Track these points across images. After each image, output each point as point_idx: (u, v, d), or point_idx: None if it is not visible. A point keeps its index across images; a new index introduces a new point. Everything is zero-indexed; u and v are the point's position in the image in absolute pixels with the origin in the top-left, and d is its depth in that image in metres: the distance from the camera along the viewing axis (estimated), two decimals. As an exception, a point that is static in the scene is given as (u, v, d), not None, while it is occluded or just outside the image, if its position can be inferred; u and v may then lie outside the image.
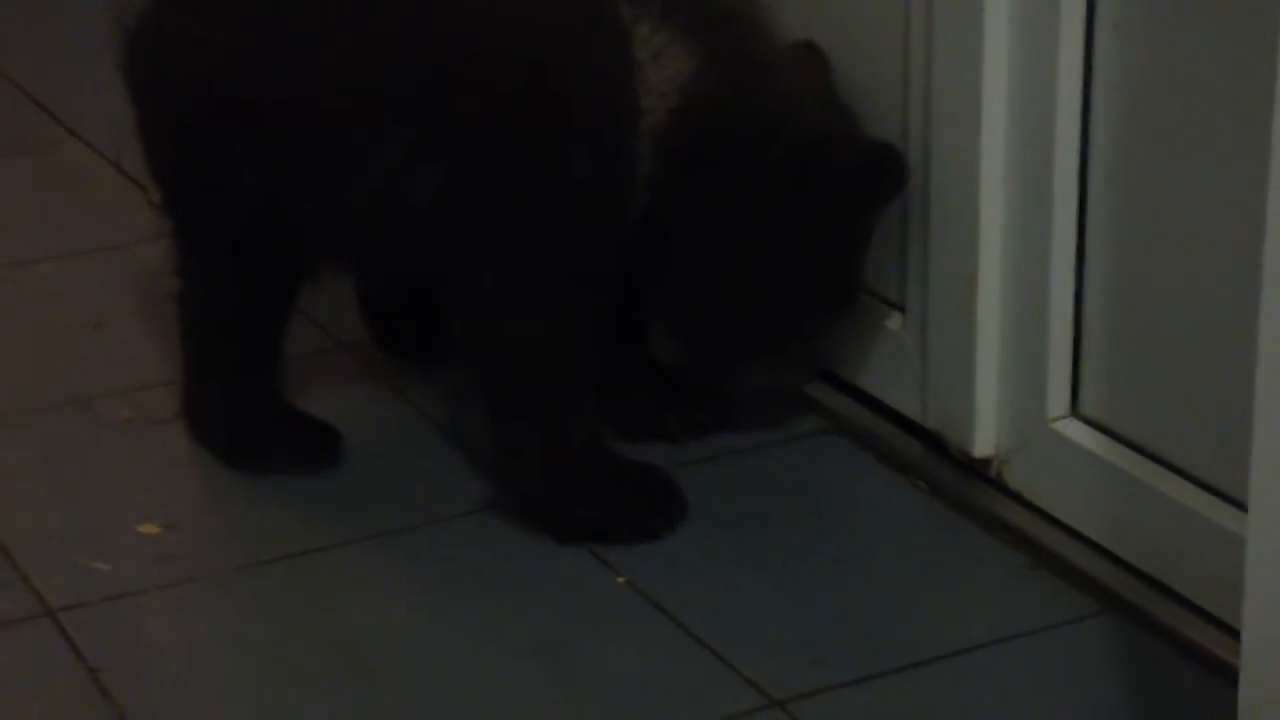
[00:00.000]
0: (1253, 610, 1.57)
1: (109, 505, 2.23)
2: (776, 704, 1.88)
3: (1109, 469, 2.02)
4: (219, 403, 2.31)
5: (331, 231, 2.20)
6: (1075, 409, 2.09)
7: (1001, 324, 2.12)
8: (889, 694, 1.89)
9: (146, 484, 2.27)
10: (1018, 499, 2.13)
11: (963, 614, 2.00)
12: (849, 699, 1.88)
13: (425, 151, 2.08)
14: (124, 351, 2.54)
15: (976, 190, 2.08)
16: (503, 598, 2.05)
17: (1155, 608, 1.96)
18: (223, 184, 2.18)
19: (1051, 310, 2.06)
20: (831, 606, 2.02)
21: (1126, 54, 1.95)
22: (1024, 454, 2.13)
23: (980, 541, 2.11)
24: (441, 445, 2.31)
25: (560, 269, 2.08)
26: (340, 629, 2.01)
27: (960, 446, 2.17)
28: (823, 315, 2.20)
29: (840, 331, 2.25)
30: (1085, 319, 2.06)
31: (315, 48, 2.11)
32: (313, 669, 1.95)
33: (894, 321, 2.26)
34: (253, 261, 2.24)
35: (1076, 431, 2.07)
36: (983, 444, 2.16)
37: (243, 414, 2.30)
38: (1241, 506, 1.65)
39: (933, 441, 2.22)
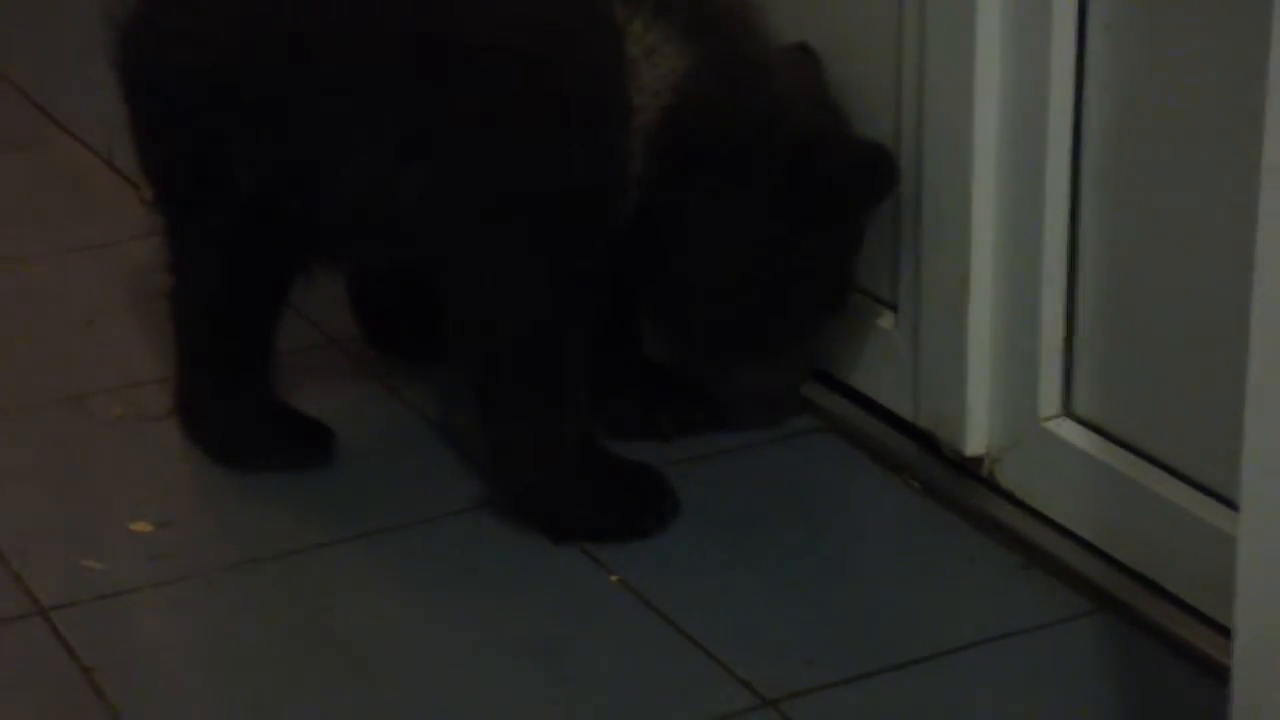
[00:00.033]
0: (1244, 610, 1.57)
1: (102, 503, 2.23)
2: (769, 703, 1.88)
3: (1101, 468, 2.03)
4: (212, 400, 2.30)
5: (324, 228, 2.20)
6: (1067, 408, 2.09)
7: (994, 323, 2.12)
8: (881, 693, 1.89)
9: (139, 482, 2.27)
10: (1010, 498, 2.13)
11: (955, 613, 2.00)
12: (841, 698, 1.88)
13: (418, 149, 2.08)
14: (116, 349, 2.53)
15: (969, 190, 2.08)
16: (496, 596, 2.05)
17: (1147, 607, 1.96)
18: (215, 181, 2.17)
19: (1043, 309, 2.06)
20: (824, 605, 2.02)
21: (1118, 54, 1.96)
22: (1016, 453, 2.13)
23: (972, 540, 2.11)
24: (434, 443, 2.31)
25: (552, 267, 2.08)
26: (333, 627, 2.01)
27: (952, 445, 2.18)
28: (815, 316, 2.20)
29: (833, 331, 2.25)
30: (1077, 318, 2.06)
31: (307, 45, 2.11)
32: (306, 667, 1.95)
33: (886, 320, 2.26)
34: (245, 258, 2.24)
35: (1069, 431, 2.07)
36: (975, 443, 2.16)
37: (235, 411, 2.30)
38: (1233, 506, 1.65)
39: (925, 440, 2.23)
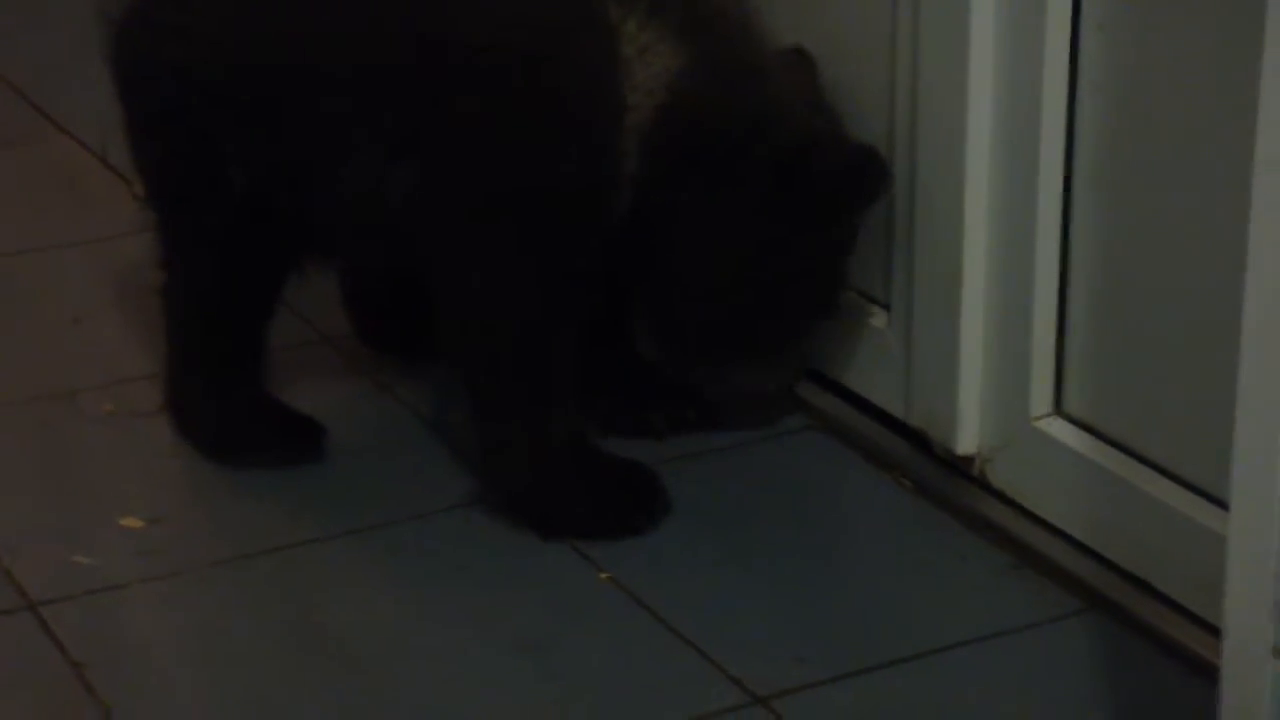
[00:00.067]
0: (1234, 609, 1.58)
1: (92, 499, 2.23)
2: (759, 701, 1.88)
3: (1092, 467, 2.03)
4: (203, 396, 2.30)
5: (317, 226, 2.20)
6: (1059, 407, 2.09)
7: (986, 323, 2.12)
8: (871, 691, 1.89)
9: (130, 477, 2.27)
10: (1001, 497, 2.14)
11: (946, 612, 2.00)
12: (831, 696, 1.88)
13: (411, 147, 2.07)
14: (107, 345, 2.53)
15: (962, 189, 2.08)
16: (487, 593, 2.05)
17: (1138, 606, 1.96)
18: (208, 177, 2.17)
19: (1035, 309, 2.06)
20: (815, 604, 2.02)
21: (1111, 54, 1.96)
22: (1008, 452, 2.13)
23: (964, 539, 2.11)
24: (426, 440, 2.31)
25: (544, 265, 2.08)
26: (324, 623, 2.01)
27: (944, 444, 2.18)
28: (806, 318, 2.20)
29: (825, 331, 2.25)
30: (1069, 318, 2.07)
31: (302, 44, 2.11)
32: (297, 663, 1.95)
33: (879, 319, 2.27)
34: (237, 255, 2.24)
35: (1060, 430, 2.07)
36: (966, 442, 2.16)
37: (227, 408, 2.30)
38: (1223, 505, 1.65)
39: (917, 439, 2.23)
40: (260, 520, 2.17)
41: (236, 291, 2.27)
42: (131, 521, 2.17)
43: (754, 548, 2.11)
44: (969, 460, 2.17)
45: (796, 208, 2.10)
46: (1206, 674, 1.79)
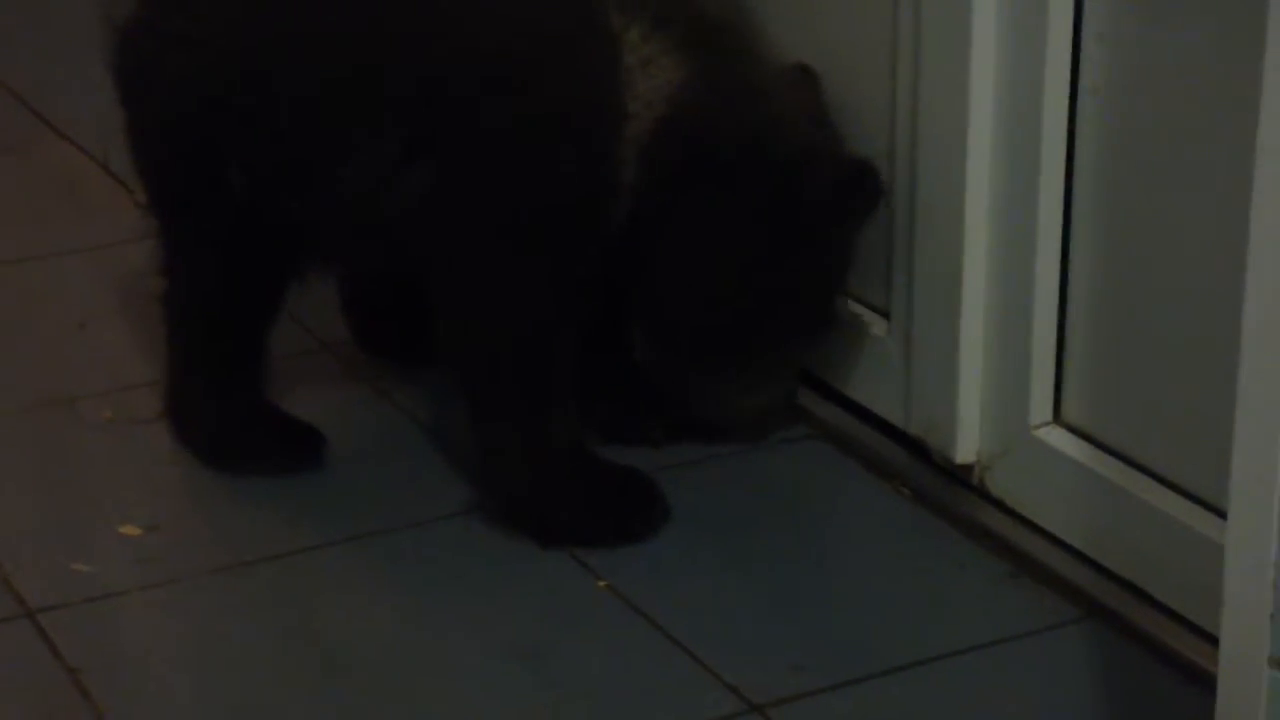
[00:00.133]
0: (1231, 618, 1.57)
1: (91, 506, 2.23)
2: (756, 709, 1.88)
3: (1091, 476, 2.03)
4: (203, 403, 2.30)
5: (318, 232, 2.20)
6: (1058, 416, 2.09)
7: (985, 331, 2.12)
8: (868, 700, 1.89)
9: (129, 485, 2.27)
10: (1000, 505, 2.13)
11: (944, 620, 2.00)
12: (828, 704, 1.88)
13: (413, 153, 2.08)
14: (107, 352, 2.53)
15: (962, 198, 2.08)
16: (484, 600, 2.05)
17: (1136, 614, 1.96)
18: (211, 183, 2.17)
19: (1035, 318, 2.06)
20: (813, 612, 2.02)
21: (1112, 65, 1.96)
22: (1006, 461, 2.13)
23: (962, 548, 2.11)
24: (425, 447, 2.31)
25: (544, 272, 2.08)
26: (323, 630, 2.01)
27: (943, 453, 2.18)
28: (799, 332, 2.20)
29: (820, 347, 2.26)
30: (1068, 327, 2.07)
31: (304, 50, 2.11)
32: (294, 671, 1.95)
33: (879, 327, 2.26)
34: (239, 262, 2.24)
35: (1059, 439, 2.07)
36: (965, 450, 2.16)
37: (226, 415, 2.30)
38: (1222, 514, 1.65)
39: (916, 448, 2.23)
40: (259, 527, 2.17)
41: (237, 297, 2.27)
42: (130, 529, 2.17)
43: (752, 555, 2.11)
44: (968, 469, 2.17)
45: (791, 221, 2.10)
46: (1204, 683, 1.79)
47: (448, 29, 2.07)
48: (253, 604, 2.06)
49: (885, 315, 2.26)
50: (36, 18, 3.50)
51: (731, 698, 1.89)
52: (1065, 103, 2.00)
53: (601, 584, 2.06)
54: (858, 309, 2.28)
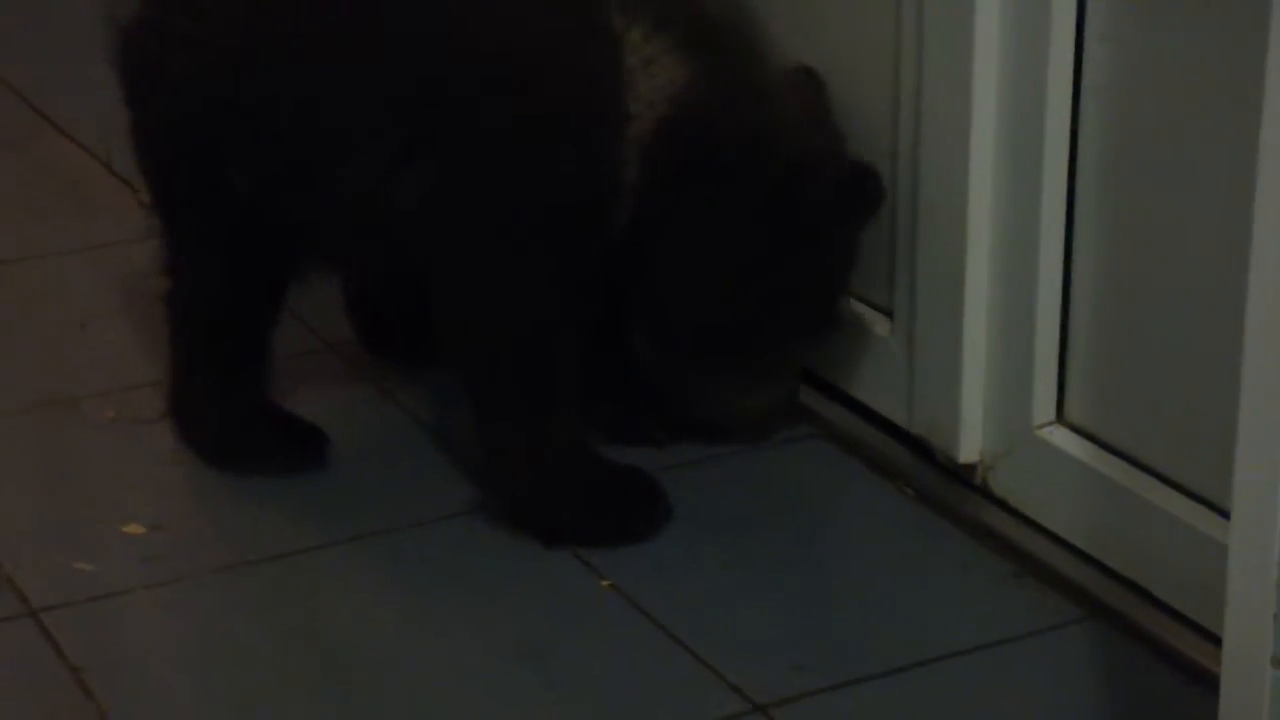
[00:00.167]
0: (1234, 618, 1.57)
1: (94, 505, 2.23)
2: (758, 709, 1.88)
3: (1094, 476, 2.03)
4: (205, 403, 2.30)
5: (320, 232, 2.20)
6: (1061, 416, 2.09)
7: (988, 331, 2.12)
8: (871, 700, 1.89)
9: (131, 484, 2.27)
10: (1003, 505, 2.13)
11: (947, 620, 2.00)
12: (831, 704, 1.88)
13: (415, 153, 2.08)
14: (110, 351, 2.53)
15: (965, 198, 2.08)
16: (487, 600, 2.05)
17: (1138, 614, 1.96)
18: (213, 183, 2.18)
19: (1038, 318, 2.06)
20: (815, 611, 2.02)
21: (1114, 65, 1.96)
22: (1009, 460, 2.13)
23: (965, 547, 2.11)
24: (428, 447, 2.31)
25: (546, 271, 2.08)
26: (325, 630, 2.01)
27: (946, 452, 2.18)
28: (799, 333, 2.20)
29: (821, 349, 2.26)
30: (1071, 327, 2.06)
31: (307, 50, 2.11)
32: (297, 670, 1.95)
33: (882, 327, 2.26)
34: (242, 261, 2.24)
35: (1062, 438, 2.07)
36: (968, 450, 2.16)
37: (229, 414, 2.30)
38: (1225, 514, 1.65)
39: (919, 447, 2.23)
40: (262, 527, 2.17)
41: (240, 297, 2.27)
42: (133, 528, 2.17)
43: (755, 555, 2.11)
44: (971, 468, 2.17)
45: (791, 222, 2.10)
46: (1207, 682, 1.79)
47: (448, 29, 2.07)
48: (255, 603, 2.06)
49: (888, 315, 2.26)
50: (38, 16, 3.50)
51: (734, 697, 1.89)
52: (1068, 103, 2.00)
53: (604, 584, 2.06)
54: (861, 308, 2.28)
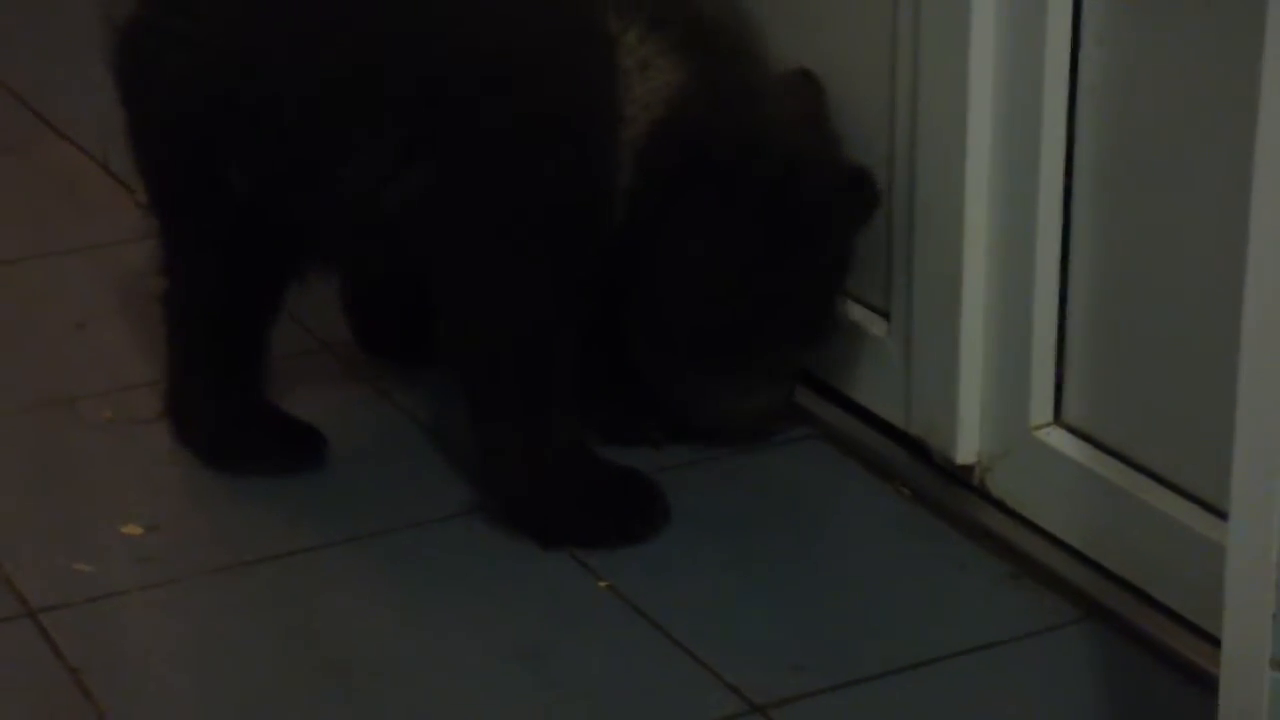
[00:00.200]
0: (1233, 619, 1.57)
1: (91, 506, 2.23)
2: (757, 709, 1.88)
3: (1091, 477, 2.03)
4: (203, 403, 2.30)
5: (318, 232, 2.20)
6: (1058, 417, 2.09)
7: (986, 332, 2.12)
8: (869, 700, 1.89)
9: (129, 485, 2.27)
10: (1000, 506, 2.14)
11: (944, 621, 2.00)
12: (829, 705, 1.88)
13: (413, 154, 2.08)
14: (107, 352, 2.53)
15: (962, 199, 2.08)
16: (485, 601, 2.05)
17: (1136, 615, 1.96)
18: (211, 183, 2.18)
19: (1035, 319, 2.06)
20: (813, 612, 2.02)
21: (1111, 65, 1.96)
22: (1007, 461, 2.13)
23: (962, 548, 2.11)
24: (425, 447, 2.31)
25: (542, 272, 2.08)
26: (323, 631, 2.01)
27: (943, 453, 2.18)
28: (795, 336, 2.20)
29: (816, 353, 2.26)
30: (1069, 328, 2.07)
31: (305, 48, 2.11)
32: (295, 670, 1.95)
33: (879, 328, 2.27)
34: (239, 261, 2.24)
35: (1059, 439, 2.07)
36: (966, 451, 2.16)
37: (227, 415, 2.30)
38: (1223, 515, 1.65)
39: (916, 448, 2.23)
40: (260, 527, 2.17)
41: (238, 297, 2.27)
42: (131, 528, 2.17)
43: (753, 556, 2.11)
44: (968, 469, 2.17)
45: (786, 225, 2.10)
46: (1205, 684, 1.79)
47: (447, 29, 2.08)
48: (253, 604, 2.06)
49: (885, 316, 2.26)
50: (36, 17, 3.50)
51: (732, 698, 1.89)
52: (1064, 103, 2.00)
53: (602, 584, 2.06)
54: (858, 310, 2.28)
